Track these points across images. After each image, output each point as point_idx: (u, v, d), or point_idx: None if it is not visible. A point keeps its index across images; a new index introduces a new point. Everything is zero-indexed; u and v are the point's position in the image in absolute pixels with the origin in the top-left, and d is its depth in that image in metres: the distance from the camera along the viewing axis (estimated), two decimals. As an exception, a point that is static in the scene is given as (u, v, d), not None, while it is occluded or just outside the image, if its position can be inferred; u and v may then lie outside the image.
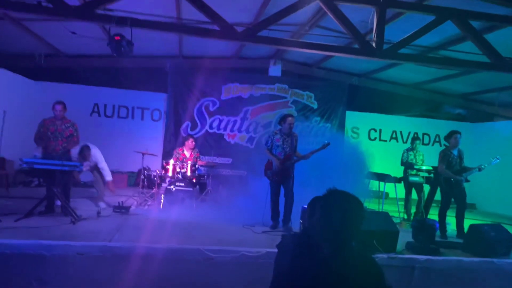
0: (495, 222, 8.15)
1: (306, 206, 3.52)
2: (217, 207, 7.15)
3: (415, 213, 7.83)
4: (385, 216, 5.45)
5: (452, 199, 6.70)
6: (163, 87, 10.40)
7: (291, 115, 6.23)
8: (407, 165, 7.89)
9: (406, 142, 11.43)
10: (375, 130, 11.67)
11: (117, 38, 4.50)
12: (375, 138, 11.63)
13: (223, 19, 4.60)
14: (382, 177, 8.05)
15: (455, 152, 6.67)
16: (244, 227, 6.08)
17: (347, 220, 1.84)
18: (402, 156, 8.12)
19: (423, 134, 11.80)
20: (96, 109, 10.21)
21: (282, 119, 6.19)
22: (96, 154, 6.73)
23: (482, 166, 6.54)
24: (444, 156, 6.65)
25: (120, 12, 4.99)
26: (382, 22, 4.76)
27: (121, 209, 6.27)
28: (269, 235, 5.77)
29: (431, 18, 5.13)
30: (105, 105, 10.27)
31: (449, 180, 6.51)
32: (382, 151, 10.70)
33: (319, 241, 1.89)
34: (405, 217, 7.88)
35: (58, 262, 4.32)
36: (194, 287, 4.46)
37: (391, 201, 9.21)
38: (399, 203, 8.34)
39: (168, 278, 4.42)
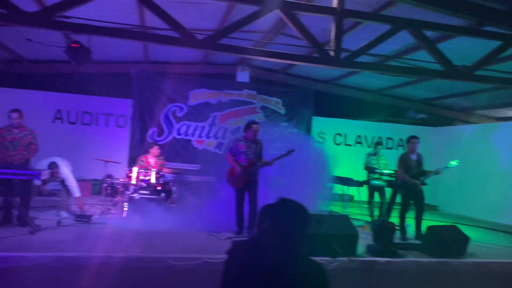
0: (455, 223, 8.46)
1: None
2: (183, 215, 7.10)
3: (378, 216, 8.03)
4: (345, 219, 5.56)
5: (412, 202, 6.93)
6: (128, 93, 10.25)
7: (255, 122, 6.30)
8: (369, 169, 8.10)
9: (370, 147, 11.71)
10: (341, 135, 11.92)
11: (75, 45, 4.43)
12: (340, 143, 11.87)
13: (183, 26, 4.61)
14: (345, 181, 8.23)
15: (413, 157, 6.89)
16: (208, 234, 6.07)
17: (294, 227, 1.93)
18: (365, 160, 8.34)
19: (387, 138, 12.13)
20: (59, 116, 9.99)
21: (247, 126, 6.24)
22: (64, 170, 6.57)
23: (439, 170, 6.79)
24: (402, 160, 6.87)
25: (81, 20, 4.92)
26: (339, 31, 4.90)
27: (83, 218, 6.14)
28: (232, 241, 5.80)
29: (387, 27, 5.32)
30: (68, 112, 10.06)
31: (407, 183, 6.73)
32: (347, 156, 10.92)
33: (267, 247, 1.95)
34: (369, 220, 8.06)
35: (13, 274, 4.20)
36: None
37: (357, 204, 9.42)
38: (363, 206, 8.56)
39: (128, 288, 4.38)
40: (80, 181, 9.43)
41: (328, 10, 4.94)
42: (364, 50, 5.21)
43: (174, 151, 10.32)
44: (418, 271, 5.25)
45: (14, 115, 5.83)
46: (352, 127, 11.97)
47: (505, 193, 9.61)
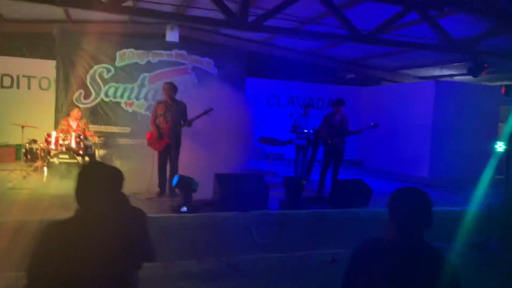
0: (374, 177, 9.19)
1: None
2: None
3: (300, 173, 8.48)
4: (259, 177, 5.88)
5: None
6: (51, 54, 9.81)
7: (167, 83, 6.31)
8: (295, 129, 8.47)
9: (302, 107, 12.08)
10: (274, 96, 12.16)
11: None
12: (273, 104, 12.13)
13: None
14: (271, 141, 8.54)
15: (337, 117, 7.24)
16: (129, 195, 6.17)
17: (425, 216, 1.87)
18: (294, 121, 8.68)
19: (318, 98, 12.54)
20: (-26, 78, 9.41)
21: (162, 87, 6.26)
22: None
23: (360, 130, 7.21)
24: (325, 120, 7.25)
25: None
26: (246, -6, 4.97)
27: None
28: (152, 201, 5.97)
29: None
30: (-14, 74, 9.50)
31: (327, 141, 7.12)
32: (280, 116, 11.23)
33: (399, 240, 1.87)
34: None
35: None
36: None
37: (288, 162, 9.83)
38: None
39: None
40: (2, 147, 9.17)
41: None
42: (271, 13, 5.34)
43: (103, 114, 10.13)
44: (322, 220, 5.71)
45: None
46: (284, 88, 12.23)
47: (420, 147, 10.39)
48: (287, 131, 9.35)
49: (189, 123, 6.28)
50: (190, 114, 6.59)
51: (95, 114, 10.06)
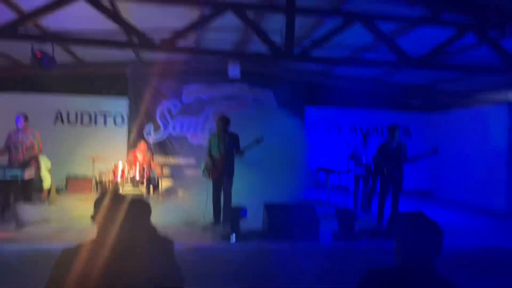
0: (447, 208, 8.71)
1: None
2: (167, 207, 7.51)
3: (360, 204, 8.24)
4: (309, 207, 5.82)
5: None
6: (125, 92, 10.71)
7: (219, 116, 6.60)
8: (355, 158, 8.33)
9: (365, 135, 11.80)
10: (334, 124, 12.05)
11: (39, 54, 4.83)
12: (334, 132, 11.99)
13: (139, 31, 4.93)
14: (329, 171, 8.45)
15: (393, 145, 7.03)
16: (186, 224, 6.45)
17: (433, 249, 1.83)
18: (352, 149, 8.56)
19: (382, 126, 12.18)
20: (59, 117, 10.52)
21: (216, 121, 6.55)
22: (39, 162, 7.05)
23: (417, 157, 6.91)
24: (380, 149, 7.06)
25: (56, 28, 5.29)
26: (291, 28, 5.10)
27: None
28: (206, 229, 6.18)
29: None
30: (68, 113, 10.58)
31: (383, 171, 6.90)
32: (341, 145, 11.05)
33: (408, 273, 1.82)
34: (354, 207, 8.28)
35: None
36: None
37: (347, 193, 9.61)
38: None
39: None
40: (81, 179, 10.04)
41: (279, 8, 5.15)
42: (316, 44, 5.41)
43: (171, 147, 10.76)
44: (378, 254, 5.46)
45: (19, 119, 6.35)
46: (346, 116, 12.09)
47: (495, 176, 9.61)
48: (347, 160, 9.20)
49: (242, 153, 6.47)
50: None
51: (163, 147, 10.72)
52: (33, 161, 6.70)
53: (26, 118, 6.45)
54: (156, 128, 10.75)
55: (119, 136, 10.75)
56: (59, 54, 9.36)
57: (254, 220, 5.90)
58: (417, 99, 12.52)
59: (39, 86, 10.24)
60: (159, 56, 10.38)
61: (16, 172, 5.92)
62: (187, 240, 5.37)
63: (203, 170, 6.62)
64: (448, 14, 5.61)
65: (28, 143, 6.42)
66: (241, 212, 5.42)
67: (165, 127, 10.81)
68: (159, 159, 10.32)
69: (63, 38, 4.90)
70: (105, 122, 10.85)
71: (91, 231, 2.17)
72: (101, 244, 2.05)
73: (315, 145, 10.99)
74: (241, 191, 7.06)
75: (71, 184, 9.56)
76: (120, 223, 2.14)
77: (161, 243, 2.50)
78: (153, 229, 2.56)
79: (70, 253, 2.02)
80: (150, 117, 10.72)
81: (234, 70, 11.36)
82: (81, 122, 10.68)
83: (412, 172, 11.72)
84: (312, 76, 11.74)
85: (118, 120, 10.92)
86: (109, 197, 2.26)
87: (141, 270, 2.14)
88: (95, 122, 10.79)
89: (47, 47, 4.89)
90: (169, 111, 10.85)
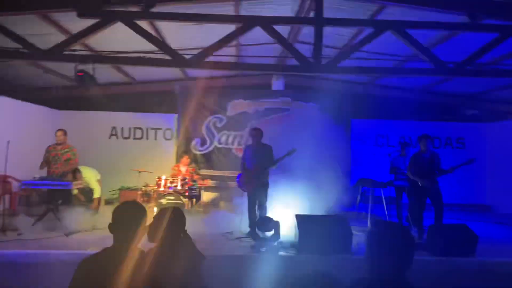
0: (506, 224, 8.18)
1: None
2: (207, 218, 7.72)
3: (406, 216, 7.92)
4: (342, 220, 5.73)
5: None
6: (174, 108, 11.23)
7: (254, 128, 6.69)
8: (394, 170, 8.07)
9: (416, 147, 11.39)
10: (382, 136, 11.74)
11: (80, 74, 5.26)
12: (382, 144, 11.68)
13: (171, 48, 5.22)
14: (370, 183, 8.24)
15: (426, 155, 6.78)
16: (222, 234, 6.59)
17: (404, 253, 1.81)
18: (392, 160, 8.31)
19: (434, 137, 11.66)
20: (114, 132, 11.22)
21: (249, 133, 6.67)
22: (87, 175, 7.56)
23: (453, 168, 6.60)
24: (412, 160, 6.83)
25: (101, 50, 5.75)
26: (319, 40, 5.14)
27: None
28: (241, 241, 6.25)
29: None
30: (122, 128, 11.25)
31: (417, 183, 6.65)
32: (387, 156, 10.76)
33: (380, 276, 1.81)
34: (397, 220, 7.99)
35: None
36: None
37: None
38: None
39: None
40: (132, 190, 10.57)
41: (307, 20, 5.22)
42: (344, 55, 5.39)
43: (216, 159, 11.05)
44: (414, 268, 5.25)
45: (58, 133, 6.91)
46: (394, 127, 11.75)
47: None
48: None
49: (274, 164, 6.52)
50: (296, 158, 6.89)
51: (209, 160, 11.04)
52: (77, 172, 7.19)
53: (65, 133, 6.98)
54: (203, 142, 11.10)
55: (169, 149, 11.23)
56: (114, 75, 10.17)
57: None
58: (473, 108, 11.93)
59: (96, 104, 11.01)
60: (204, 72, 10.80)
61: (65, 182, 6.41)
62: (220, 249, 5.49)
63: (238, 182, 6.75)
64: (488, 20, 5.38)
65: (65, 156, 6.95)
66: (270, 224, 5.46)
67: (211, 140, 11.12)
68: (204, 171, 10.66)
69: (99, 58, 5.31)
70: (155, 137, 11.38)
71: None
72: (116, 251, 2.20)
73: (362, 158, 10.80)
74: (284, 202, 7.12)
75: (123, 195, 10.10)
76: (128, 229, 2.27)
77: (190, 255, 2.66)
78: (186, 240, 2.73)
79: (89, 262, 2.16)
80: (197, 131, 11.10)
81: (278, 83, 11.55)
82: (134, 137, 11.29)
83: (469, 186, 11.19)
84: (358, 87, 11.58)
85: (168, 134, 11.42)
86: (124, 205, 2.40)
87: (169, 279, 2.28)
88: (147, 137, 11.36)
89: (92, 67, 5.31)
90: (215, 125, 11.17)
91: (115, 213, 2.33)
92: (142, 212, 2.37)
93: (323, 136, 11.15)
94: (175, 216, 2.67)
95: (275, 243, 5.61)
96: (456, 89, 11.05)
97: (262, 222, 5.55)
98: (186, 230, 2.79)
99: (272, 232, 5.57)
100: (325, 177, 8.13)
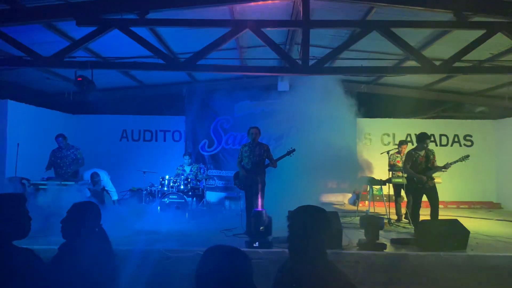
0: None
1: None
2: (211, 216, 7.96)
3: (405, 213, 8.00)
4: (332, 215, 5.85)
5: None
6: (181, 110, 11.53)
7: (253, 127, 6.87)
8: (391, 167, 8.16)
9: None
10: (388, 135, 11.77)
11: (79, 79, 5.56)
12: (389, 143, 11.70)
13: (169, 53, 5.47)
14: (370, 180, 8.35)
15: (421, 153, 6.85)
16: (221, 231, 6.80)
17: (320, 232, 2.03)
18: (389, 159, 8.41)
19: (440, 135, 11.66)
20: (124, 135, 11.60)
21: (248, 131, 6.86)
22: (104, 178, 7.90)
23: (448, 165, 6.65)
24: (408, 156, 6.91)
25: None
26: (306, 41, 5.30)
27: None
28: (238, 237, 6.45)
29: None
30: (132, 131, 11.62)
31: (413, 179, 6.72)
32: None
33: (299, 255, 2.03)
34: (395, 218, 8.05)
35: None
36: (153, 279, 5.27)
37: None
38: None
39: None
40: (137, 190, 10.90)
41: (294, 23, 5.39)
42: (331, 55, 5.54)
43: (224, 160, 11.31)
44: (404, 264, 5.36)
45: (59, 139, 7.29)
46: (400, 126, 11.76)
47: None
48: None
49: (274, 164, 6.70)
50: (299, 156, 7.07)
51: (217, 160, 11.31)
52: (95, 176, 7.54)
53: (64, 137, 7.36)
54: (210, 143, 11.37)
55: (177, 150, 11.52)
56: (122, 79, 10.52)
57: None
58: (481, 105, 11.84)
59: (106, 108, 11.40)
60: (210, 75, 11.07)
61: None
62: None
63: (235, 180, 6.95)
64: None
65: (71, 157, 7.34)
66: (262, 219, 5.62)
67: (219, 141, 11.39)
68: (212, 171, 10.95)
69: (98, 64, 5.62)
70: (164, 139, 11.71)
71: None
72: None
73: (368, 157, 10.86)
74: (287, 200, 7.28)
75: (132, 195, 10.44)
76: None
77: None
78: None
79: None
80: (204, 132, 11.38)
81: (283, 84, 11.71)
82: (144, 139, 11.65)
83: (478, 184, 11.12)
84: (363, 87, 11.65)
85: (176, 136, 11.74)
86: None
87: None
88: (156, 139, 11.69)
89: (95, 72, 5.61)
90: (222, 126, 11.42)
91: None
92: None
93: (329, 136, 11.31)
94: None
95: (269, 238, 5.78)
96: (459, 85, 11.00)
97: (255, 218, 5.72)
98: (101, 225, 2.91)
99: (265, 227, 5.74)
100: (333, 177, 8.32)
